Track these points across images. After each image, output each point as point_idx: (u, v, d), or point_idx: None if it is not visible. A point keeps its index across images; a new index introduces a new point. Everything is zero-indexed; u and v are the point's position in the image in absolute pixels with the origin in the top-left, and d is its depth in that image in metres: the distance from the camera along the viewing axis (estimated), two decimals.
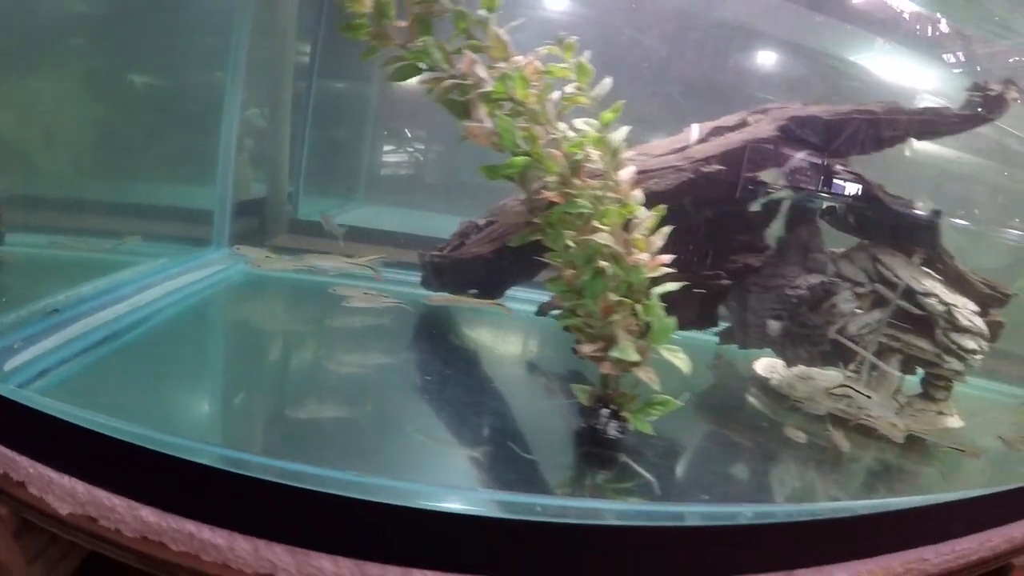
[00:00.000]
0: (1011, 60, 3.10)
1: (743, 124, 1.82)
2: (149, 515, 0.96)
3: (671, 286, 1.41)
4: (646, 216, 1.46)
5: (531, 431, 1.51)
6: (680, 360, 1.35)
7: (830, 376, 2.00)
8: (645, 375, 1.38)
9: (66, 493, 0.98)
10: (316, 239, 2.70)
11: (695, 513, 1.23)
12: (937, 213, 1.84)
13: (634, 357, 1.35)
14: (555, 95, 1.51)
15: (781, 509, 1.40)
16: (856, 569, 1.22)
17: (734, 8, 2.85)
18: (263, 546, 0.94)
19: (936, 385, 1.99)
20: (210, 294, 2.08)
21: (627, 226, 1.46)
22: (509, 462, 1.34)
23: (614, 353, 1.35)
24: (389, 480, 1.07)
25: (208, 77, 2.25)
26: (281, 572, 0.93)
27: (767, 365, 2.01)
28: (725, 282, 1.75)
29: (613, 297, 1.39)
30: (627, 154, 1.53)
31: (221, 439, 1.30)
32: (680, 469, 1.47)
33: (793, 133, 1.77)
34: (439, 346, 1.94)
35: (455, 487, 1.18)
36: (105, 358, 1.54)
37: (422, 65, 1.48)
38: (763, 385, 1.96)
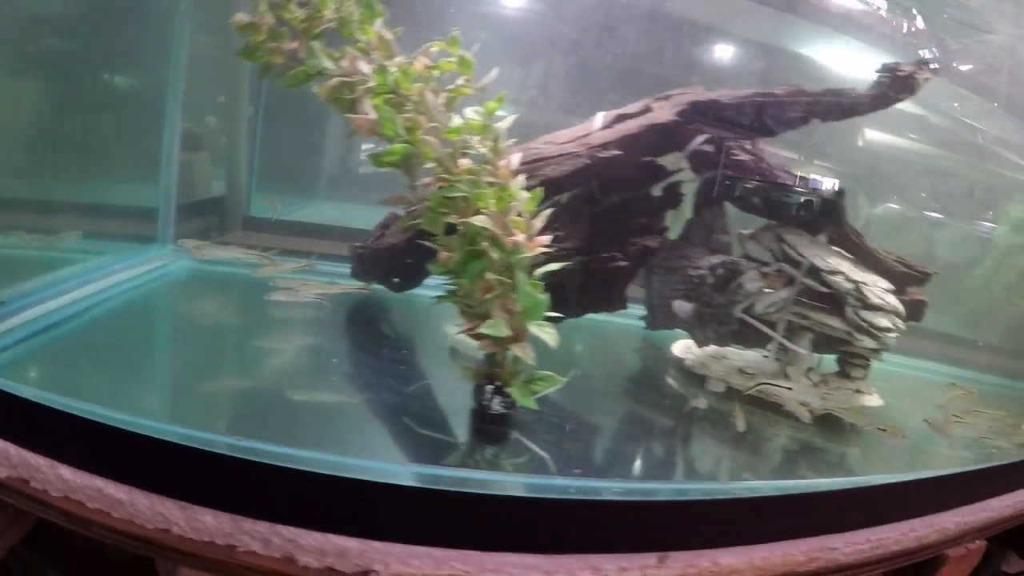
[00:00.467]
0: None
1: (647, 110, 1.85)
2: (67, 473, 1.05)
3: (552, 267, 1.46)
4: (526, 199, 1.51)
5: (430, 408, 1.57)
6: (548, 335, 1.39)
7: (744, 356, 2.02)
8: (521, 351, 1.43)
9: (2, 456, 1.08)
10: (268, 234, 2.81)
11: (569, 487, 1.25)
12: (840, 193, 1.85)
13: (503, 333, 1.40)
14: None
15: (661, 487, 1.44)
16: (747, 556, 1.18)
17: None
18: (158, 501, 1.02)
19: (852, 363, 2.00)
20: (150, 288, 2.18)
21: (510, 210, 1.51)
22: (395, 435, 1.41)
23: (483, 329, 1.41)
24: (268, 444, 1.14)
25: (151, 76, 2.34)
26: (174, 526, 1.01)
27: (683, 346, 2.04)
28: (621, 264, 1.79)
29: (491, 277, 1.45)
30: (535, 142, 1.59)
31: (130, 407, 1.39)
32: (571, 445, 1.51)
33: (693, 117, 1.81)
34: (360, 333, 2.02)
35: (327, 451, 1.24)
36: (44, 345, 1.64)
37: (313, 71, 1.57)
38: (679, 366, 2.00)
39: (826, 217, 1.85)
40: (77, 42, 2.08)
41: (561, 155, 1.74)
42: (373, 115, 1.54)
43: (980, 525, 1.55)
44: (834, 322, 1.88)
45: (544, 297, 1.43)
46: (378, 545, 1.01)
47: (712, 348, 1.99)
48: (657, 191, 1.88)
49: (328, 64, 1.54)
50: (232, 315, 2.17)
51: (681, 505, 1.25)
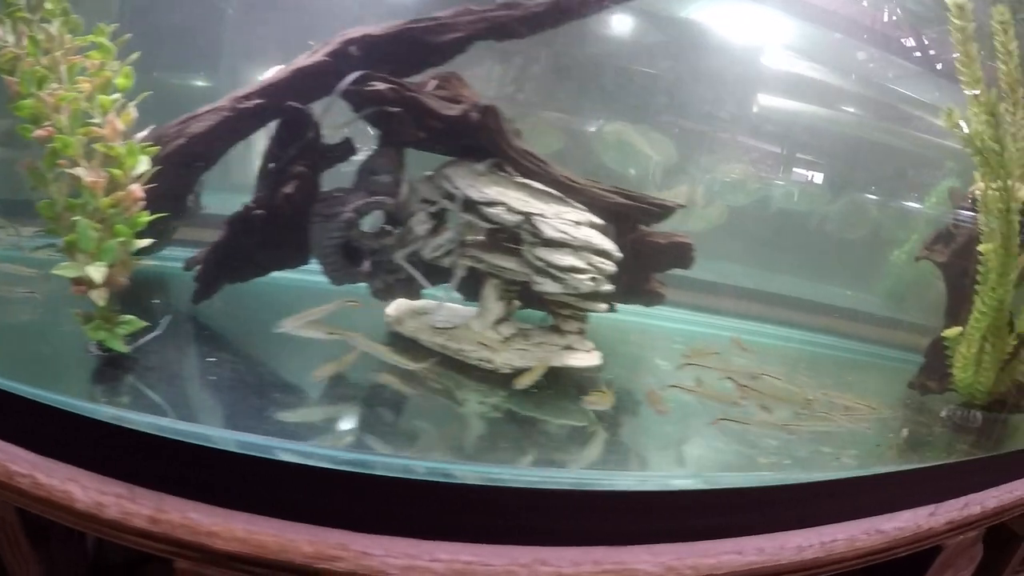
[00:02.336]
0: None
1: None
2: None
3: (144, 217, 1.51)
4: (125, 154, 1.57)
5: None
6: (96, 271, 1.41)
7: (449, 309, 1.82)
8: (98, 295, 1.48)
9: None
10: None
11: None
12: (488, 111, 1.60)
13: (72, 273, 1.46)
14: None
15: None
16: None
17: None
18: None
19: (561, 315, 1.72)
20: None
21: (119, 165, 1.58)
22: None
23: (54, 271, 1.47)
24: None
25: None
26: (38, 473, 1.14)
27: (395, 304, 1.89)
28: (258, 212, 1.72)
29: (85, 223, 1.52)
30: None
31: None
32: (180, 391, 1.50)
33: (345, 57, 1.71)
34: None
35: None
36: None
37: None
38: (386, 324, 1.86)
39: (481, 141, 1.62)
40: None
41: (207, 111, 1.75)
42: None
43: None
44: (511, 263, 1.64)
45: (111, 242, 1.47)
46: None
47: (411, 303, 1.83)
48: (334, 138, 1.79)
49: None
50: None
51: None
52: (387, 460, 1.30)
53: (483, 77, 3.00)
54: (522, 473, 1.29)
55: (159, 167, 1.54)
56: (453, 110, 1.62)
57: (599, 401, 1.53)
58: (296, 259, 1.82)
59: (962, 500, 1.74)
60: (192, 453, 1.14)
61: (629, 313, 2.13)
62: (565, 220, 1.61)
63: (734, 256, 2.97)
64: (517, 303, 1.82)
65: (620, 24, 3.06)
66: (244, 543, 1.06)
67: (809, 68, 3.15)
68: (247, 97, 1.74)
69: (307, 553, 1.08)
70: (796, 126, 3.16)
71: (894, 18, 3.17)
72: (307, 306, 1.54)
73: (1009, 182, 1.88)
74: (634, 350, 2.12)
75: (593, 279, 1.60)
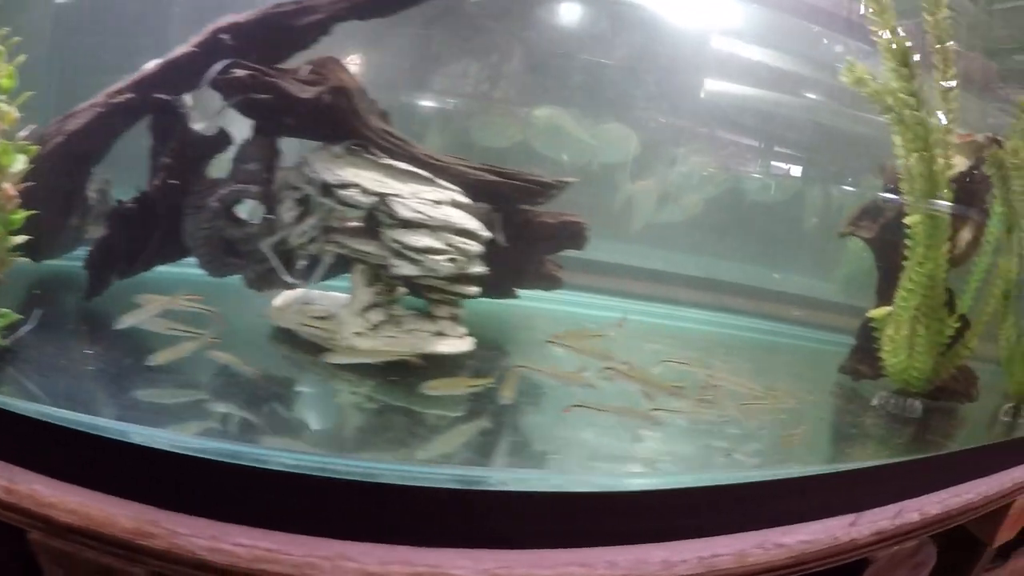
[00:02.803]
0: None
1: None
2: None
3: (21, 215, 1.52)
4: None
5: None
6: None
7: (331, 298, 1.77)
8: None
9: None
10: None
11: None
12: (343, 92, 1.56)
13: None
14: None
15: None
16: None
17: None
18: None
19: (434, 300, 1.65)
20: None
21: None
22: None
23: None
24: None
25: None
26: None
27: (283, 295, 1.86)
28: (130, 206, 1.71)
29: None
30: None
31: None
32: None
33: (216, 46, 1.70)
34: None
35: None
36: None
37: None
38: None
39: (337, 124, 1.58)
40: None
41: (83, 108, 1.77)
42: None
43: None
44: (370, 247, 1.59)
45: None
46: None
47: (299, 293, 1.80)
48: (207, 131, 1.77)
49: None
50: None
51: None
52: (210, 445, 1.26)
53: (459, 74, 3.00)
54: (332, 461, 1.22)
55: (34, 166, 1.55)
56: (307, 93, 1.59)
57: (441, 387, 1.44)
58: (174, 253, 1.81)
59: (894, 507, 1.54)
60: (40, 428, 1.16)
61: (551, 302, 2.04)
62: (423, 200, 1.55)
63: (697, 247, 2.88)
64: (402, 290, 1.76)
65: (592, 19, 3.02)
66: (76, 515, 1.07)
67: (776, 57, 3.05)
68: (120, 92, 1.75)
69: (127, 528, 1.07)
70: (760, 115, 3.04)
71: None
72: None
73: (931, 144, 1.72)
74: (538, 336, 2.02)
75: (452, 260, 1.53)
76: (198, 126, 1.74)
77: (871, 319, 1.90)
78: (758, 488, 1.39)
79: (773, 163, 3.04)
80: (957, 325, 1.91)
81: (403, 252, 1.53)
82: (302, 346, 1.70)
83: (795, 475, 1.45)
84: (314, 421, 1.47)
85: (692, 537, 1.26)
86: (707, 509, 1.31)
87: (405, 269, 1.54)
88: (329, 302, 1.77)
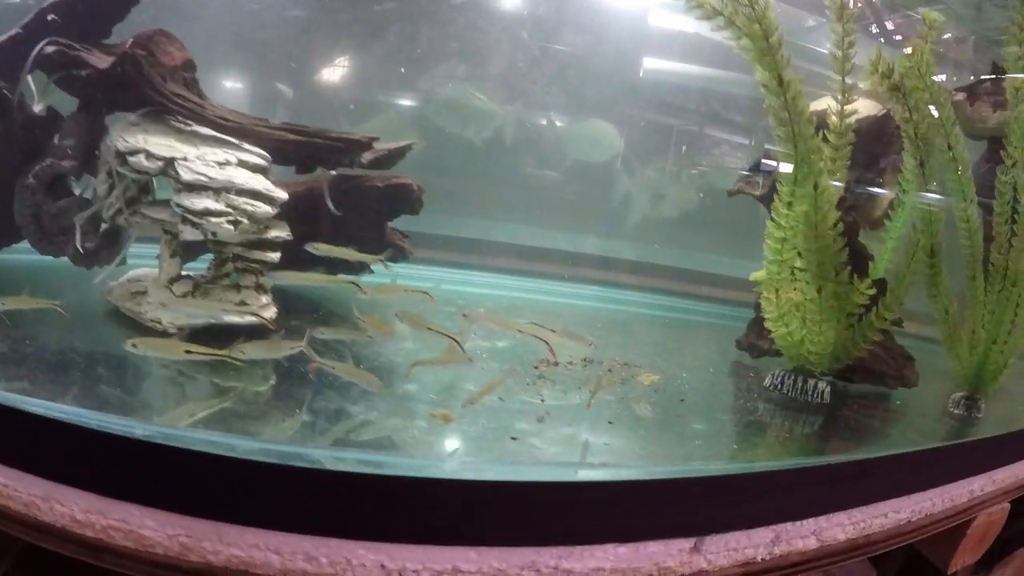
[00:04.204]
0: None
1: None
2: None
3: None
4: None
5: None
6: None
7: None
8: None
9: None
10: None
11: None
12: (129, 59, 1.49)
13: None
14: None
15: None
16: None
17: None
18: None
19: (238, 269, 1.55)
20: None
21: None
22: None
23: None
24: None
25: None
26: None
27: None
28: None
29: None
30: None
31: None
32: None
33: (44, 25, 1.69)
34: None
35: None
36: None
37: None
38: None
39: (131, 92, 1.52)
40: None
41: None
42: None
43: None
44: (164, 214, 1.51)
45: None
46: None
47: (135, 271, 1.74)
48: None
49: None
50: None
51: None
52: None
53: (447, 74, 2.95)
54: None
55: None
56: (103, 63, 1.55)
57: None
58: (9, 234, 1.80)
59: (771, 529, 1.18)
60: None
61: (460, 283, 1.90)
62: (207, 162, 1.46)
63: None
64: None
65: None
66: None
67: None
68: None
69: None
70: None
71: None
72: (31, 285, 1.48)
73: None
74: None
75: (234, 222, 1.43)
76: (37, 108, 1.74)
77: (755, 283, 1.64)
78: (548, 489, 1.01)
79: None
80: (871, 291, 1.61)
81: (186, 216, 1.44)
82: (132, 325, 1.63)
83: (604, 478, 1.13)
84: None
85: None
86: (485, 510, 0.98)
87: (188, 234, 1.45)
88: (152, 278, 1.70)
